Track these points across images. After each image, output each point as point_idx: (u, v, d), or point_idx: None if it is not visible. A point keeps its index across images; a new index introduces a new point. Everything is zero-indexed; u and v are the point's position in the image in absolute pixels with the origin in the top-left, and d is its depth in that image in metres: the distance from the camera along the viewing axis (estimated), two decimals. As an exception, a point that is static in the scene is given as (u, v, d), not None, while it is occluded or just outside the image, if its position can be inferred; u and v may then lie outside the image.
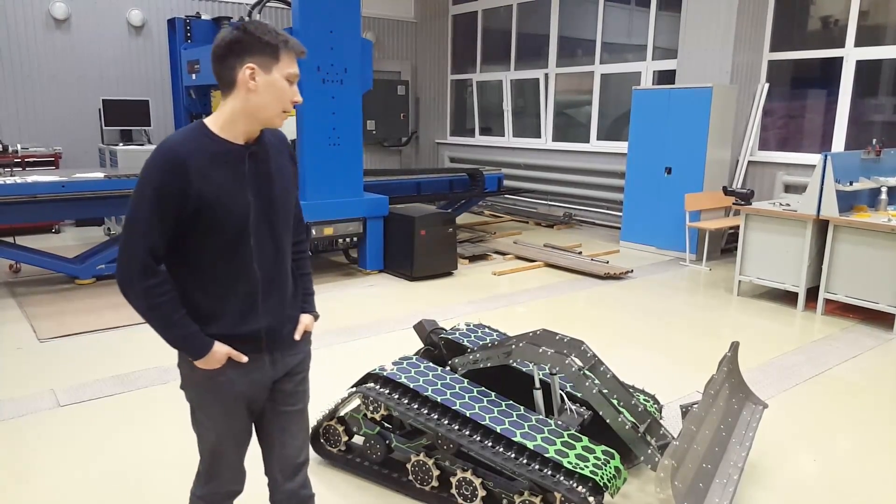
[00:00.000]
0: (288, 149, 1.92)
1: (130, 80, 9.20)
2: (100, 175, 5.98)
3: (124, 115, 8.58)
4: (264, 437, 2.00)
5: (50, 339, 4.64)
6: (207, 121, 1.75)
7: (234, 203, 1.71)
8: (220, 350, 1.76)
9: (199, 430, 1.93)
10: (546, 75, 10.12)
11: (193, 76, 7.10)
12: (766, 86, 7.70)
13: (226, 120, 1.73)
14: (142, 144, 8.38)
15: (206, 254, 1.73)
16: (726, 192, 6.64)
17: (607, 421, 2.69)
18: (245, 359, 1.81)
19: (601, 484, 2.46)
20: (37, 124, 8.62)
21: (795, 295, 5.65)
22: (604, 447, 2.64)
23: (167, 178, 1.64)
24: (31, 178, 5.59)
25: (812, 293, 5.59)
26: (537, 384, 2.89)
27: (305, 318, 1.98)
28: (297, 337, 1.94)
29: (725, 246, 7.71)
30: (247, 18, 7.29)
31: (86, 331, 4.78)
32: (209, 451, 1.94)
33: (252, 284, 1.78)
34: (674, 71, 8.16)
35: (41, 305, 5.36)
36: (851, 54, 7.01)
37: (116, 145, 8.00)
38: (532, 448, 2.53)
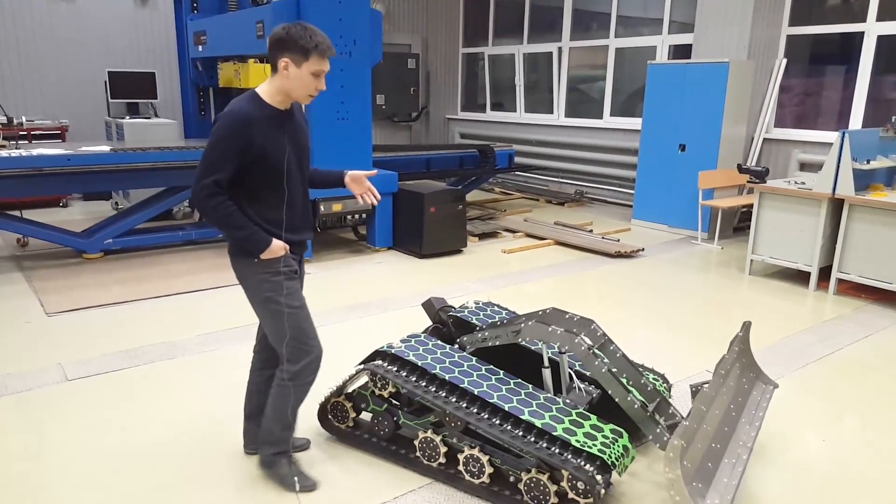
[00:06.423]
0: (303, 113, 2.65)
1: (136, 51, 9.12)
2: (106, 148, 5.95)
3: (130, 88, 8.50)
4: None
5: (58, 313, 4.65)
6: (259, 91, 2.42)
7: (278, 149, 2.42)
8: (278, 243, 2.46)
9: (279, 315, 2.49)
10: (559, 49, 9.95)
11: (200, 48, 7.00)
12: (784, 61, 7.53)
13: (271, 92, 2.42)
14: (148, 117, 8.29)
15: (259, 186, 2.43)
16: (741, 169, 6.53)
17: (616, 400, 2.67)
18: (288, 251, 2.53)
19: (609, 462, 2.45)
20: (42, 97, 8.58)
21: (807, 274, 5.57)
22: (612, 426, 2.62)
23: (238, 133, 2.32)
24: (36, 151, 5.57)
25: (824, 273, 5.52)
26: (546, 363, 2.86)
27: (357, 172, 2.78)
28: (367, 174, 2.79)
29: (737, 224, 7.62)
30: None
31: (93, 305, 4.78)
32: (296, 325, 2.51)
33: (290, 205, 2.50)
34: (690, 45, 7.99)
35: (49, 279, 5.37)
36: (873, 29, 6.83)
37: (123, 118, 7.92)
38: (540, 426, 2.52)
